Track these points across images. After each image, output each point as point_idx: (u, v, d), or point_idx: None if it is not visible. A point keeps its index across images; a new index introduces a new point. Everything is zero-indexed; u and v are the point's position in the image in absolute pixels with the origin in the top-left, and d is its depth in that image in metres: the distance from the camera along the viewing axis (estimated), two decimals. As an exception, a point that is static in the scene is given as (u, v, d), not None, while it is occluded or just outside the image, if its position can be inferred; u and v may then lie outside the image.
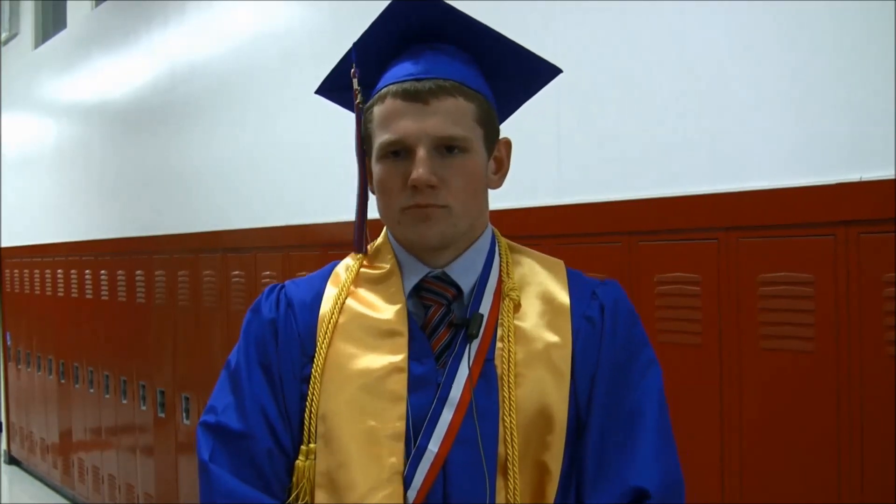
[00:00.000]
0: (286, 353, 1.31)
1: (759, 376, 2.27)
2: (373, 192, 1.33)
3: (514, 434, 1.23)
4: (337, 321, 1.30)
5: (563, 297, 1.32)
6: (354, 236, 1.37)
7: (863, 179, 2.08)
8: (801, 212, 2.19)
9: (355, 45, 1.32)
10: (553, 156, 2.86)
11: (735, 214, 2.33)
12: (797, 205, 2.20)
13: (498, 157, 1.34)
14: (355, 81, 1.31)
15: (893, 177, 2.02)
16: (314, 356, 1.29)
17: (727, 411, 2.33)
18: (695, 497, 2.37)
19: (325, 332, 1.29)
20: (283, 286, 1.38)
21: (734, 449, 2.32)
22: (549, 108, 2.81)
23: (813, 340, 2.15)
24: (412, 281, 1.31)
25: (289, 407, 1.29)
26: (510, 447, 1.23)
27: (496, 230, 1.38)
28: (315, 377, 1.28)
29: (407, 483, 1.22)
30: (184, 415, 4.99)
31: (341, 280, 1.35)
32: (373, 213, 1.36)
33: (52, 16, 8.03)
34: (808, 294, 2.16)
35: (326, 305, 1.32)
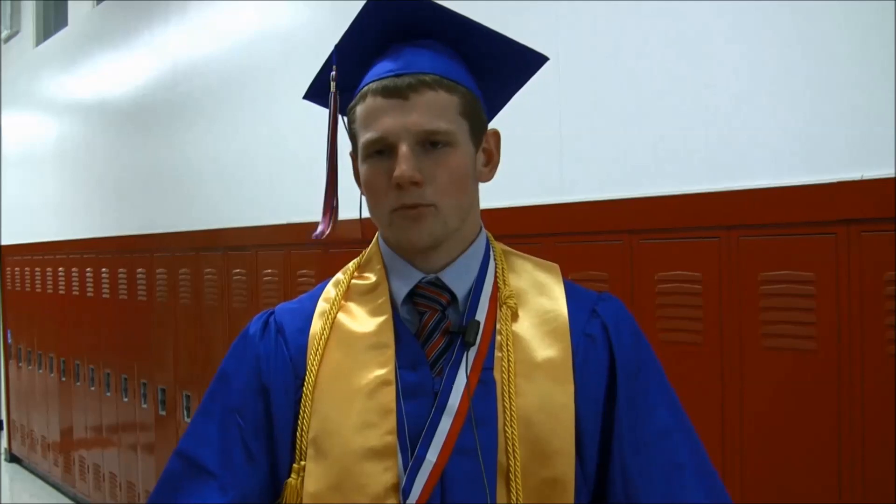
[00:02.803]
0: (277, 380, 1.28)
1: (760, 375, 2.27)
2: (364, 194, 1.31)
3: (516, 444, 1.21)
4: (328, 338, 1.28)
5: (562, 308, 1.29)
6: (320, 226, 1.34)
7: (864, 178, 2.08)
8: (803, 210, 2.19)
9: (337, 47, 1.30)
10: (555, 154, 2.86)
11: (736, 213, 2.33)
12: (798, 203, 2.20)
13: (487, 148, 1.31)
14: (333, 84, 1.29)
15: (894, 175, 2.02)
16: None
17: (728, 410, 2.33)
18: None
19: (316, 351, 1.27)
20: (272, 312, 1.36)
21: (735, 448, 2.32)
22: (550, 107, 2.81)
23: (814, 339, 2.15)
24: (405, 287, 1.28)
25: (279, 430, 1.27)
26: (512, 458, 1.21)
27: (490, 235, 1.35)
28: (306, 395, 1.26)
29: (405, 494, 1.20)
30: (185, 413, 4.99)
31: (332, 297, 1.32)
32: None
33: (54, 14, 8.04)
34: (809, 293, 2.16)
35: (317, 324, 1.30)
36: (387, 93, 1.22)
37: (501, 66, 1.32)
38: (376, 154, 1.23)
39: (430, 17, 1.27)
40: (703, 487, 1.26)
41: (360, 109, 1.25)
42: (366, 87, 1.25)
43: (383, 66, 1.25)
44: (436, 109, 1.22)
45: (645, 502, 1.24)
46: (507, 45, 1.31)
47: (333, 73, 1.30)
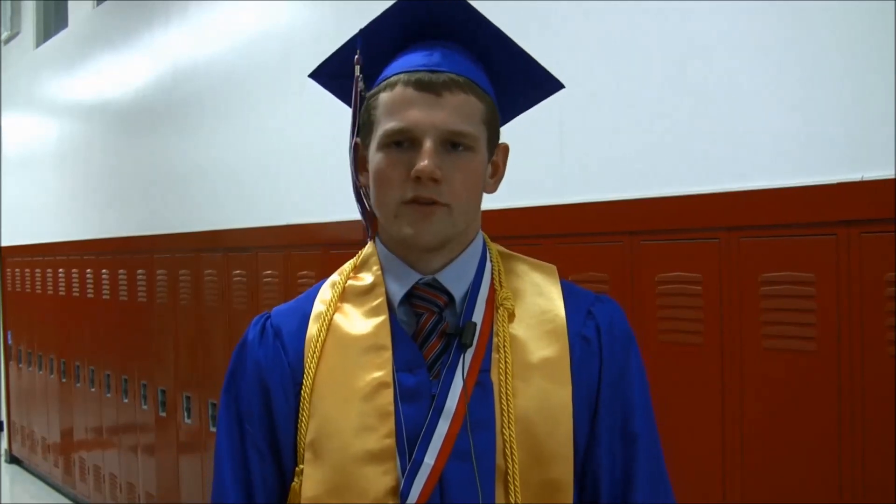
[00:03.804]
0: (276, 384, 1.28)
1: (760, 376, 2.27)
2: (364, 185, 1.30)
3: (514, 446, 1.21)
4: (324, 341, 1.27)
5: (559, 309, 1.29)
6: (364, 228, 1.34)
7: (864, 179, 2.08)
8: (803, 211, 2.19)
9: (362, 32, 1.29)
10: (555, 155, 2.86)
11: (736, 214, 2.33)
12: (798, 204, 2.20)
13: (495, 161, 1.32)
14: (358, 69, 1.28)
15: (894, 176, 2.02)
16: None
17: (728, 411, 2.33)
18: (696, 496, 2.38)
19: (313, 355, 1.27)
20: (268, 315, 1.35)
21: (735, 448, 2.32)
22: (551, 107, 2.79)
23: (814, 340, 2.15)
24: (402, 289, 1.27)
25: (282, 434, 1.28)
26: (510, 460, 1.21)
27: (486, 236, 1.35)
28: (304, 398, 1.25)
29: (403, 497, 1.20)
30: (185, 414, 4.99)
31: (328, 298, 1.31)
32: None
33: (54, 15, 8.04)
34: (810, 294, 2.16)
35: (313, 327, 1.29)
36: (420, 86, 1.21)
37: (519, 83, 1.32)
38: (395, 145, 1.22)
39: (465, 21, 1.27)
40: (649, 492, 1.28)
41: (385, 97, 1.24)
42: (395, 77, 1.24)
43: (416, 59, 1.24)
44: (464, 112, 1.22)
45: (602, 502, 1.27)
46: (530, 64, 1.31)
47: (358, 57, 1.28)
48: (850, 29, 2.15)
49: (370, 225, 1.34)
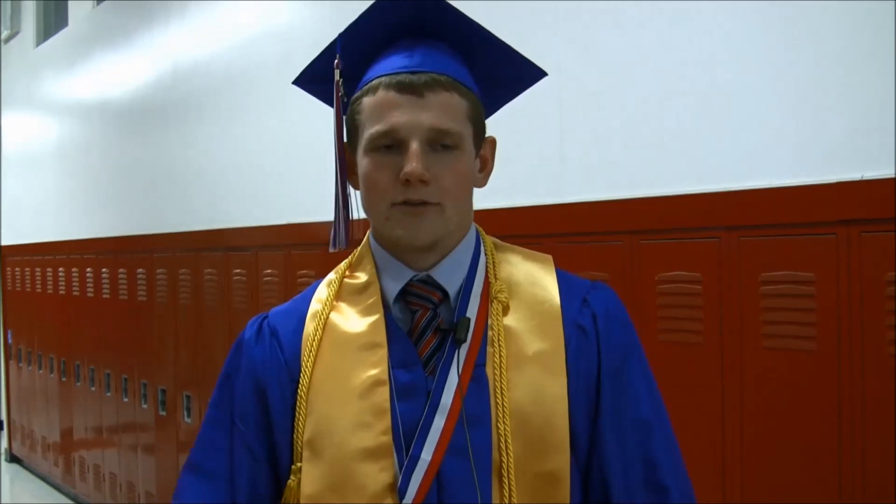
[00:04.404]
0: (273, 383, 1.28)
1: (760, 375, 2.27)
2: (354, 188, 1.30)
3: (509, 440, 1.20)
4: (321, 339, 1.27)
5: (554, 298, 1.28)
6: (332, 235, 1.32)
7: (864, 178, 2.08)
8: (803, 211, 2.19)
9: (341, 35, 1.29)
10: (555, 155, 2.86)
11: (736, 213, 2.33)
12: (798, 204, 2.20)
13: (483, 155, 1.31)
14: (338, 73, 1.28)
15: (894, 176, 2.02)
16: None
17: (728, 410, 2.33)
18: (696, 496, 2.38)
19: (309, 352, 1.27)
20: (265, 316, 1.35)
21: (735, 448, 2.32)
22: (551, 107, 2.81)
23: (814, 339, 2.15)
24: (397, 286, 1.27)
25: (278, 433, 1.28)
26: (504, 454, 1.20)
27: (480, 228, 1.35)
28: (301, 396, 1.25)
29: (401, 494, 1.20)
30: (185, 413, 4.99)
31: (324, 297, 1.31)
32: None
33: (54, 14, 8.03)
34: (810, 293, 2.16)
35: (310, 326, 1.29)
36: (402, 88, 1.21)
37: (502, 76, 1.32)
38: (381, 148, 1.22)
39: (444, 18, 1.26)
40: (676, 488, 1.28)
41: (368, 101, 1.24)
42: (377, 80, 1.24)
43: (396, 61, 1.24)
44: (448, 111, 1.22)
45: (618, 498, 1.26)
46: (512, 56, 1.31)
47: (337, 61, 1.28)
48: (850, 29, 2.15)
49: (339, 234, 1.32)
